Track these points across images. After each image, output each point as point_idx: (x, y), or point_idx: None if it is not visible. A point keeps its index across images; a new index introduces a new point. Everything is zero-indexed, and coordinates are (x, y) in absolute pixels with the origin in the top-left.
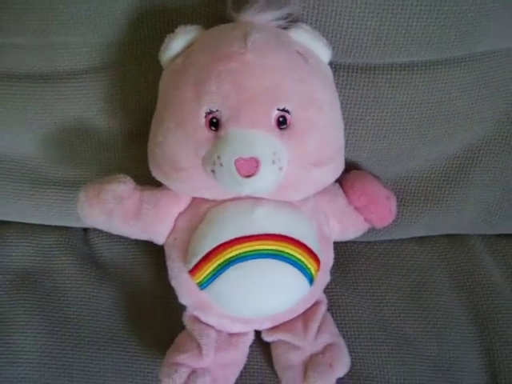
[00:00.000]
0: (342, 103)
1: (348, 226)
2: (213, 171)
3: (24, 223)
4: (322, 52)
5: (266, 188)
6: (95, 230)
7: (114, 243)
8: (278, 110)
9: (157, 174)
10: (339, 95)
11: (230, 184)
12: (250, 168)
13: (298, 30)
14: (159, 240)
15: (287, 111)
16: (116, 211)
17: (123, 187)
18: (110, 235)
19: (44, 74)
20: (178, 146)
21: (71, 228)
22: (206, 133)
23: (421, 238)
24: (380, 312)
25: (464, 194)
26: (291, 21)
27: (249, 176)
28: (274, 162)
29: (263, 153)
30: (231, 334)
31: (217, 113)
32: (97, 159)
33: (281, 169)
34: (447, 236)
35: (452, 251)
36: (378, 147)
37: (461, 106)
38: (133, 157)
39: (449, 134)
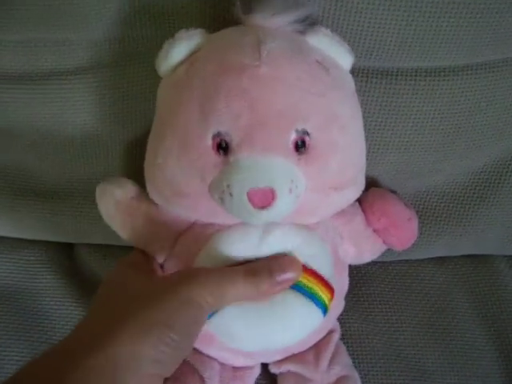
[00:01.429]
0: None
1: (365, 249)
2: (221, 200)
3: (2, 237)
4: (344, 59)
5: (281, 217)
6: (82, 244)
7: (103, 259)
8: (297, 131)
9: (156, 198)
10: None
11: (240, 215)
12: (264, 199)
13: (317, 35)
14: (158, 259)
15: (306, 133)
16: (115, 216)
17: (121, 193)
18: (98, 250)
19: (25, 73)
20: (180, 170)
21: (56, 243)
22: (214, 157)
23: (441, 258)
24: (396, 341)
25: (490, 212)
26: (309, 24)
27: (263, 207)
28: (291, 191)
29: (280, 182)
30: (236, 368)
31: (226, 135)
32: (87, 170)
33: (298, 197)
34: (469, 256)
35: (474, 273)
36: (397, 160)
37: (491, 117)
38: (128, 168)
39: (476, 147)
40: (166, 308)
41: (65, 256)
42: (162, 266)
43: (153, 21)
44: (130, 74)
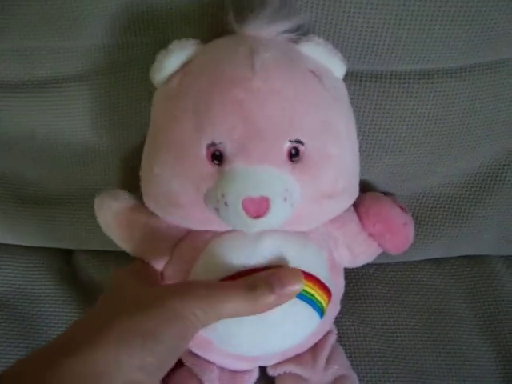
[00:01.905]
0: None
1: (359, 252)
2: (216, 209)
3: (2, 244)
4: (337, 68)
5: (275, 226)
6: (80, 251)
7: (101, 265)
8: (290, 141)
9: (152, 207)
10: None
11: (235, 224)
12: (259, 208)
13: (310, 44)
14: (157, 266)
15: (300, 142)
16: (114, 227)
17: (118, 204)
18: (96, 256)
19: (21, 81)
20: (176, 180)
21: (54, 249)
22: (208, 167)
23: (437, 259)
24: (393, 343)
25: (486, 212)
26: (301, 33)
27: (258, 216)
28: (285, 200)
29: (274, 191)
30: (235, 371)
31: (220, 145)
32: (85, 176)
33: (292, 205)
34: (466, 257)
35: (472, 274)
36: (392, 162)
37: (485, 118)
38: (126, 174)
39: (471, 148)
40: (152, 319)
41: (63, 262)
42: (161, 274)
43: (148, 28)
44: (126, 80)
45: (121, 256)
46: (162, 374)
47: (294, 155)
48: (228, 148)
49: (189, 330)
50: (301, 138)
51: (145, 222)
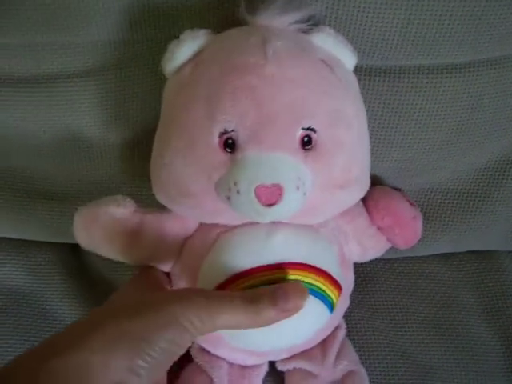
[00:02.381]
0: None
1: (369, 247)
2: (228, 198)
3: (10, 239)
4: (347, 59)
5: (288, 215)
6: None
7: (109, 260)
8: (303, 128)
9: (161, 198)
10: None
11: (247, 213)
12: (272, 196)
13: (321, 35)
14: (164, 268)
15: (313, 130)
16: (117, 237)
17: (122, 210)
18: None
19: (31, 77)
20: (187, 169)
21: (62, 244)
22: (221, 155)
23: (445, 254)
24: (401, 338)
25: (494, 207)
26: (313, 23)
27: (270, 205)
28: (298, 188)
29: (287, 178)
30: (244, 367)
31: (232, 133)
32: (91, 171)
33: (305, 194)
34: (474, 253)
35: (480, 269)
36: (401, 157)
37: (493, 113)
38: (131, 170)
39: (479, 143)
40: (147, 323)
41: (71, 257)
42: (168, 275)
43: (156, 22)
44: (134, 76)
45: None
46: (155, 376)
47: (306, 143)
48: (240, 135)
49: (184, 337)
50: (313, 126)
51: (151, 219)
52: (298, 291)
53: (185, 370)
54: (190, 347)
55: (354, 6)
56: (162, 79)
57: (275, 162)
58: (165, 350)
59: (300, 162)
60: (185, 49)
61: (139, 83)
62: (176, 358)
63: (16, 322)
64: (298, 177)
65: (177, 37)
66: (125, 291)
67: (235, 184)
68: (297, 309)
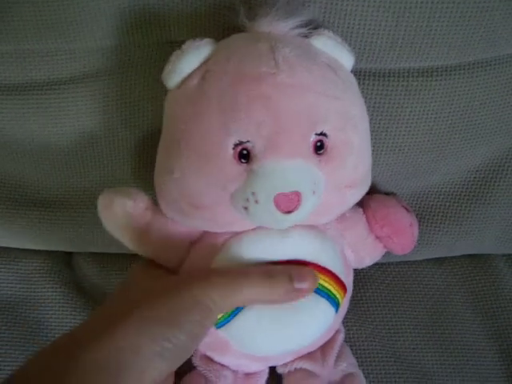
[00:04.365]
0: None
1: (365, 254)
2: (245, 208)
3: (2, 247)
4: (346, 60)
5: (302, 220)
6: (81, 253)
7: (102, 268)
8: (316, 134)
9: (169, 212)
10: None
11: (265, 221)
12: (291, 203)
13: (322, 38)
14: (173, 267)
15: (325, 134)
16: (126, 229)
17: (132, 204)
18: (98, 259)
19: (19, 84)
20: (200, 182)
21: (55, 252)
22: (236, 166)
23: (439, 259)
24: (396, 343)
25: (487, 211)
26: (312, 28)
27: (289, 212)
28: (314, 193)
29: (304, 184)
30: (248, 374)
31: (248, 144)
32: (82, 179)
33: (319, 197)
34: (468, 256)
35: (474, 273)
36: (392, 161)
37: (484, 115)
38: (123, 177)
39: (471, 146)
40: (171, 306)
41: (64, 265)
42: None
43: (146, 29)
44: (123, 83)
45: (122, 258)
46: (179, 363)
47: (319, 148)
48: (256, 145)
49: (208, 317)
50: (325, 131)
51: (161, 221)
52: (312, 276)
53: (187, 377)
54: (192, 355)
55: (341, 10)
56: (152, 86)
57: (293, 170)
58: (190, 332)
59: (314, 166)
60: (188, 60)
61: (129, 90)
62: (199, 343)
63: (7, 331)
64: (314, 182)
65: (172, 42)
66: (133, 281)
67: (253, 194)
68: (308, 290)
